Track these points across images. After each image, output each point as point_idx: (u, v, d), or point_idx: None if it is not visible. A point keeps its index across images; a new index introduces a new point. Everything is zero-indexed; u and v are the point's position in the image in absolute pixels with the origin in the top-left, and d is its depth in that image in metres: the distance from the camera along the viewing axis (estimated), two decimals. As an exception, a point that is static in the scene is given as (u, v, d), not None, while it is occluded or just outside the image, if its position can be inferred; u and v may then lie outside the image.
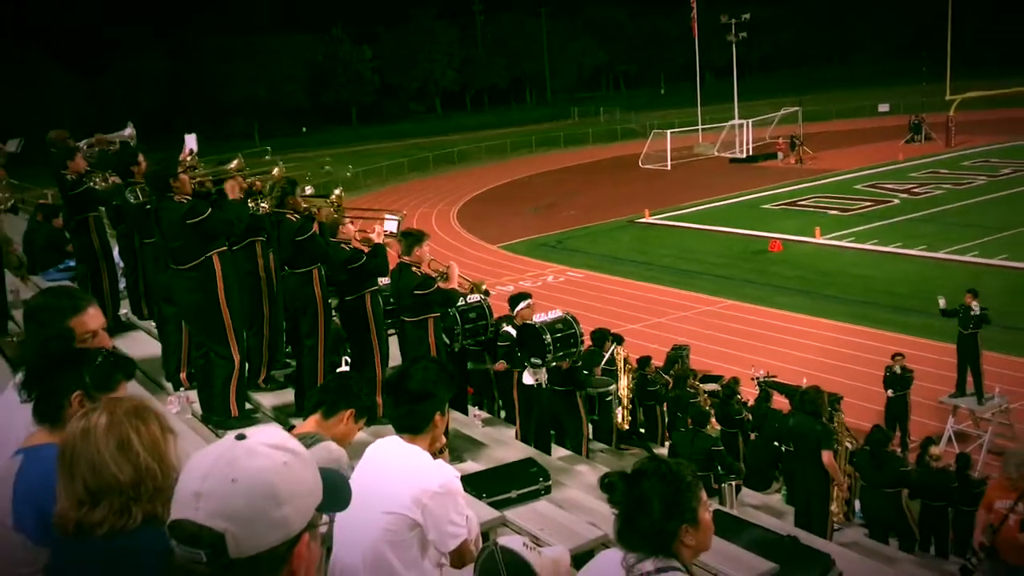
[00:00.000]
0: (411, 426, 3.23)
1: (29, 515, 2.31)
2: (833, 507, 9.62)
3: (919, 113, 48.57)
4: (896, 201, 33.55)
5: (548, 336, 8.24)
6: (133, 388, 2.89)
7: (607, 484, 2.35)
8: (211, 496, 1.44)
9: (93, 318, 3.14)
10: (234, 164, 7.12)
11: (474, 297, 8.68)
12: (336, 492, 1.63)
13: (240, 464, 1.47)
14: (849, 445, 10.40)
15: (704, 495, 2.33)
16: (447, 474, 3.16)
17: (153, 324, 8.96)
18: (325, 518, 1.60)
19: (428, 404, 3.23)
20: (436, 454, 3.26)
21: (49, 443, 2.37)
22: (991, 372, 15.24)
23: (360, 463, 3.23)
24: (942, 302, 15.42)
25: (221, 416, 6.53)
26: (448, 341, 8.46)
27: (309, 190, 8.70)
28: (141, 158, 7.52)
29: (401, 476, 3.09)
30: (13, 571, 2.33)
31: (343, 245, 7.31)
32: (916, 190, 35.15)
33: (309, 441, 3.35)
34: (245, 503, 1.44)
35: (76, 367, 2.51)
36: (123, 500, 1.98)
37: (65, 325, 3.03)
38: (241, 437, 1.53)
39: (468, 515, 3.22)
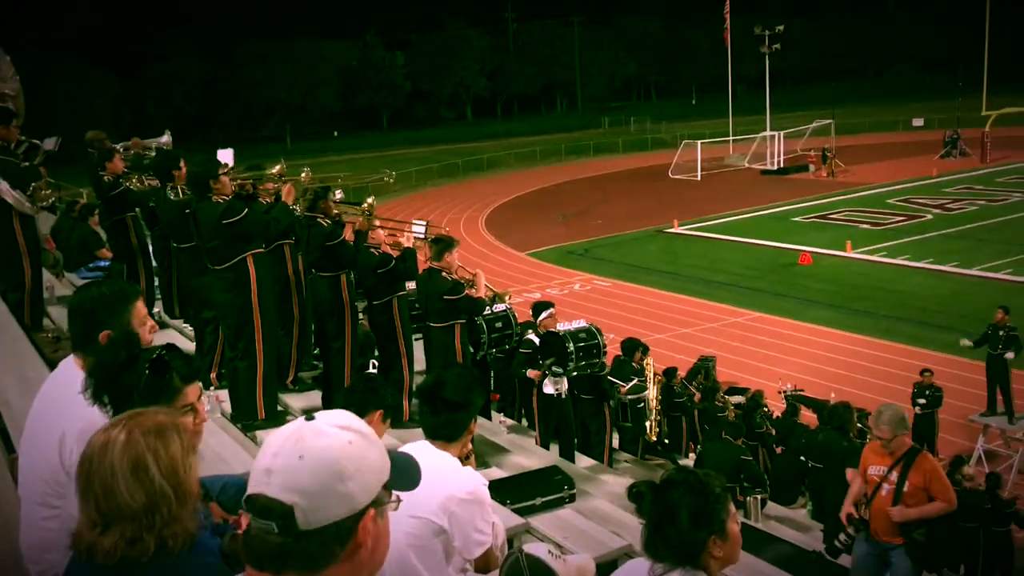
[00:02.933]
0: (448, 435, 3.27)
1: None
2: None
3: (954, 128, 48.08)
4: (929, 216, 33.20)
5: (571, 345, 8.23)
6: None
7: (635, 494, 2.35)
8: (281, 472, 1.54)
9: (140, 308, 3.20)
10: (276, 169, 7.21)
11: (500, 306, 8.70)
12: (405, 471, 1.72)
13: (308, 442, 1.56)
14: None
15: (733, 507, 2.32)
16: (476, 481, 3.17)
17: (183, 323, 9.07)
18: (395, 496, 1.67)
19: (466, 413, 3.28)
20: (463, 460, 3.28)
21: None
22: (1022, 391, 15.03)
23: None
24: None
25: (249, 417, 6.59)
26: (472, 349, 8.48)
27: (339, 195, 8.78)
28: (183, 163, 7.62)
29: (431, 482, 3.07)
30: None
31: (372, 250, 7.35)
32: (949, 206, 34.77)
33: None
34: (312, 478, 1.53)
35: (132, 383, 2.47)
36: (135, 527, 1.91)
37: (129, 328, 3.01)
38: (311, 418, 1.62)
39: (494, 522, 3.23)
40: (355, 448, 1.58)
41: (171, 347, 2.60)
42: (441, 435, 3.26)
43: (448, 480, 3.10)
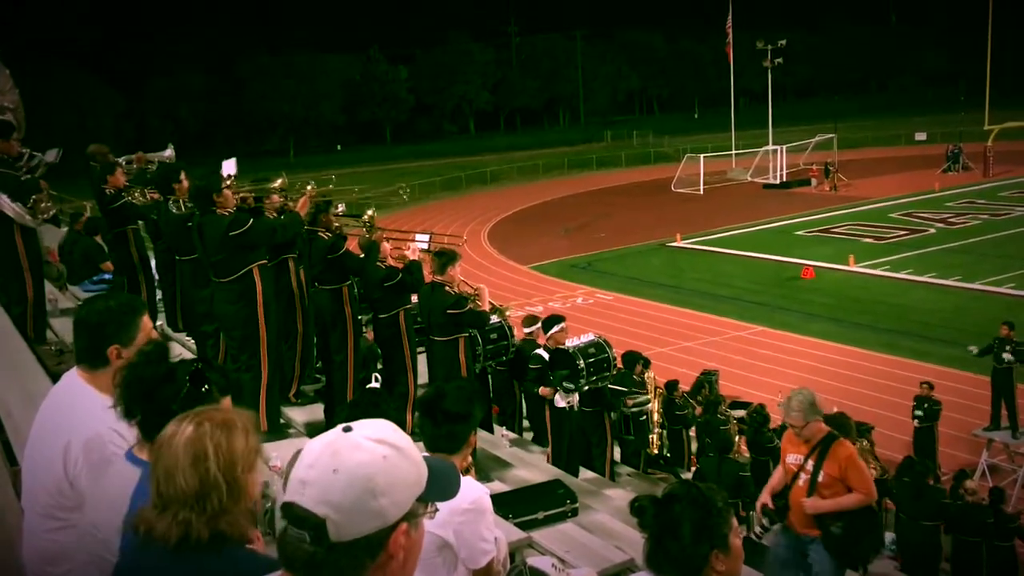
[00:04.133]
0: (449, 447, 3.28)
1: None
2: None
3: (956, 143, 48.18)
4: (932, 231, 33.20)
5: (582, 361, 8.21)
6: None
7: (638, 508, 2.35)
8: (315, 484, 1.57)
9: (147, 322, 3.20)
10: (278, 183, 7.23)
11: (494, 318, 8.70)
12: (442, 482, 1.72)
13: (342, 456, 1.59)
14: (874, 472, 10.26)
15: (735, 521, 2.32)
16: (477, 491, 3.18)
17: (186, 336, 9.08)
18: (431, 506, 1.69)
19: (466, 425, 3.30)
20: (464, 472, 3.28)
21: None
22: (1027, 406, 14.99)
23: None
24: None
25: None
26: (470, 362, 8.48)
27: (341, 208, 8.80)
28: (183, 176, 7.64)
29: None
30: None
31: (378, 263, 7.37)
32: (952, 220, 34.78)
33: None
34: (344, 493, 1.56)
35: (169, 395, 2.47)
36: (187, 512, 1.97)
37: (160, 343, 3.02)
38: (348, 429, 1.64)
39: (497, 535, 3.23)
40: (389, 463, 1.60)
41: (205, 359, 2.62)
42: (441, 447, 3.27)
43: (452, 494, 3.09)
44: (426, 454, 1.79)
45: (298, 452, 1.69)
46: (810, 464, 5.64)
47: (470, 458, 3.44)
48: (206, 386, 2.51)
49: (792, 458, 5.81)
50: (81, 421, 2.67)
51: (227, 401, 2.56)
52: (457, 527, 3.06)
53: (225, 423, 2.05)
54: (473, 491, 3.16)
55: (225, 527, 2.00)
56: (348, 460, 1.58)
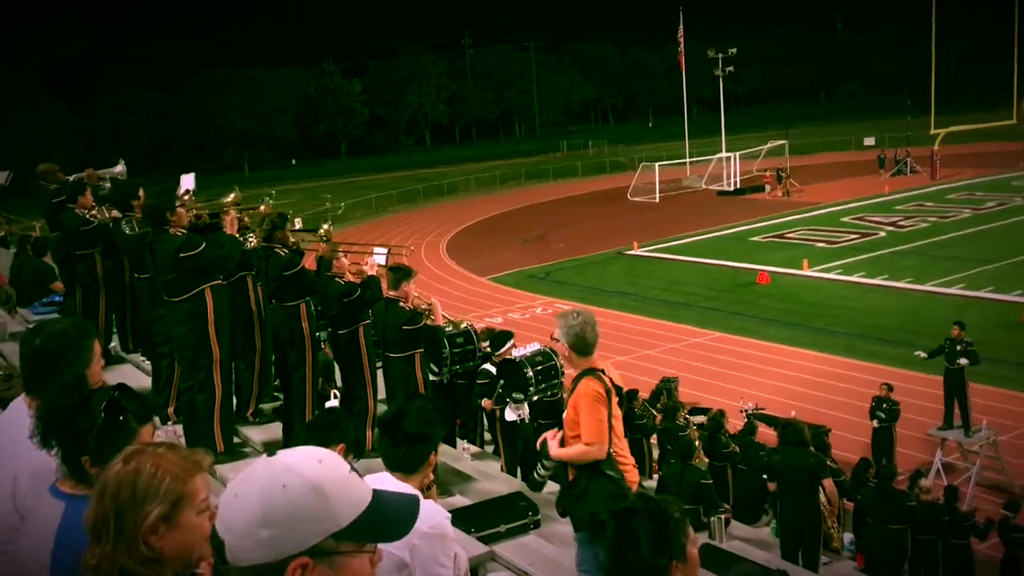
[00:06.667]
0: (406, 467, 3.26)
1: (69, 564, 2.25)
2: (832, 533, 9.66)
3: (903, 147, 49.37)
4: (882, 234, 33.82)
5: (530, 370, 8.22)
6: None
7: (597, 523, 2.36)
8: (221, 505, 1.57)
9: (97, 344, 3.15)
10: (231, 198, 7.15)
11: (463, 322, 8.72)
12: (385, 525, 1.63)
13: (246, 481, 1.56)
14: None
15: (691, 531, 2.34)
16: (438, 515, 3.16)
17: (141, 357, 8.94)
18: (371, 547, 1.62)
19: (426, 445, 3.28)
20: (424, 491, 3.27)
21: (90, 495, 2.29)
22: (978, 404, 15.29)
23: None
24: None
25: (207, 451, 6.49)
26: (436, 370, 8.45)
27: (299, 224, 8.73)
28: (141, 191, 7.55)
29: None
30: None
31: (337, 279, 7.31)
32: (902, 223, 35.47)
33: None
34: (236, 518, 1.54)
35: (85, 426, 2.39)
36: (93, 549, 1.89)
37: (82, 371, 2.95)
38: (272, 454, 1.60)
39: (457, 553, 3.22)
40: (288, 495, 1.52)
41: (123, 387, 2.55)
42: (399, 467, 3.25)
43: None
44: (391, 489, 1.74)
45: None
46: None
47: (431, 475, 3.42)
48: (122, 416, 2.43)
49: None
50: (28, 454, 2.61)
51: (146, 430, 2.51)
52: (415, 549, 3.04)
53: (182, 464, 1.95)
54: (434, 515, 3.15)
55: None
56: (249, 486, 1.54)
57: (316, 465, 1.58)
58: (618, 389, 4.90)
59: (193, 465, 1.96)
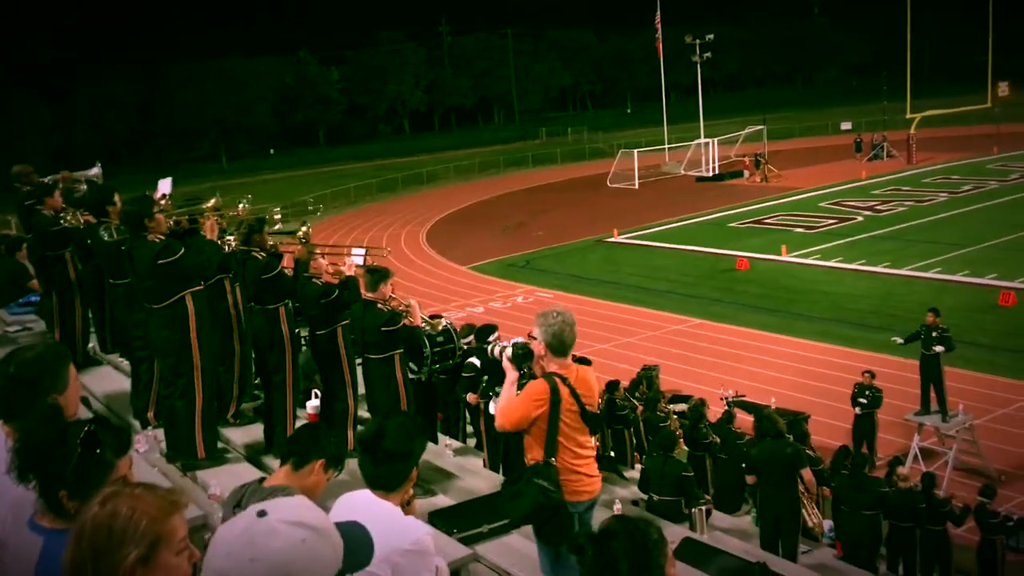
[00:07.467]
0: (388, 485, 3.27)
1: None
2: (813, 521, 9.77)
3: (879, 131, 49.65)
4: (860, 218, 34.05)
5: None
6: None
7: (576, 546, 2.38)
8: (233, 574, 1.55)
9: (73, 368, 3.12)
10: (211, 203, 7.10)
11: (441, 322, 8.70)
12: (356, 554, 1.72)
13: (258, 543, 1.57)
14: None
15: (670, 552, 2.37)
16: (419, 531, 3.18)
17: (120, 358, 8.90)
18: None
19: (406, 463, 3.29)
20: (405, 507, 3.28)
21: (69, 529, 2.29)
22: (954, 388, 15.45)
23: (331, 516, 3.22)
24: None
25: (188, 456, 6.48)
26: (416, 368, 8.45)
27: (278, 216, 8.69)
28: (117, 197, 7.48)
29: (373, 534, 3.09)
30: None
31: (314, 280, 7.28)
32: (879, 207, 35.72)
33: (281, 494, 3.35)
34: None
35: (61, 461, 2.38)
36: None
37: (55, 402, 2.93)
38: (262, 514, 1.61)
39: (439, 567, 3.24)
40: (308, 547, 1.59)
41: (100, 420, 2.55)
42: (381, 486, 3.26)
43: (391, 531, 3.09)
44: (344, 519, 1.77)
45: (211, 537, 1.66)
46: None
47: (411, 490, 3.43)
48: (99, 449, 2.42)
49: None
50: (5, 483, 2.60)
51: (123, 463, 2.50)
52: (397, 567, 3.05)
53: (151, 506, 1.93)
54: (414, 531, 3.16)
55: None
56: (265, 548, 1.56)
57: (312, 512, 1.65)
58: (578, 399, 4.84)
59: (170, 505, 1.96)
